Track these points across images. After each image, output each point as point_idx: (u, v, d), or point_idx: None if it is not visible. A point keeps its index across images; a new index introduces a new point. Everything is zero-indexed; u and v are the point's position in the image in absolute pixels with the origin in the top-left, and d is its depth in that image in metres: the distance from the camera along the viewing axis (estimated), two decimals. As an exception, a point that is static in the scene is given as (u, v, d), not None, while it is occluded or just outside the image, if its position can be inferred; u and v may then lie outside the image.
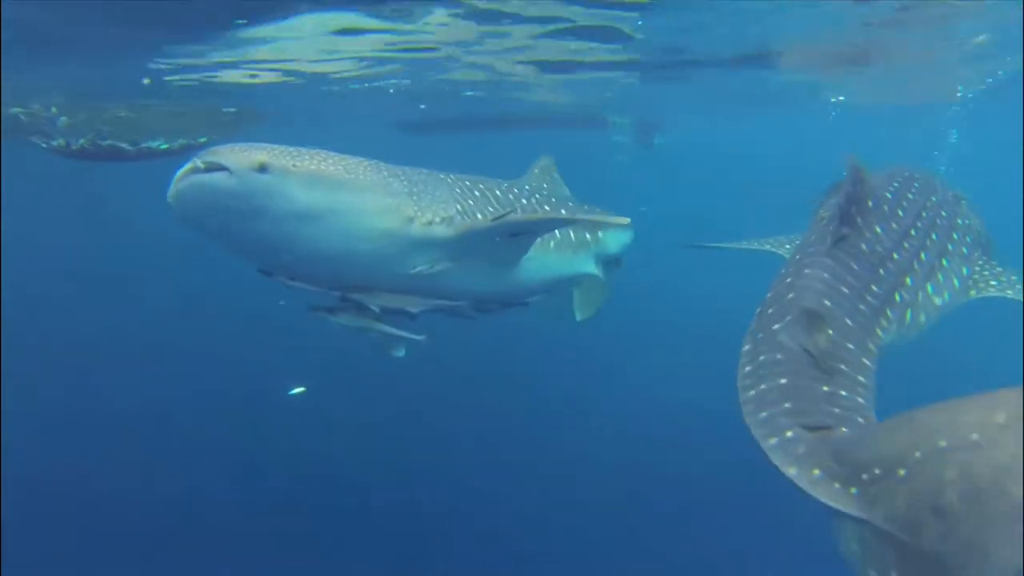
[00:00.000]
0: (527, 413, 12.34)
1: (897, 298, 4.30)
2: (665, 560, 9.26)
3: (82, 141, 11.54)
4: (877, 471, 2.66)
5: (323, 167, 4.98)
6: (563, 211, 6.92)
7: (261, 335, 14.19)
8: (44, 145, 11.42)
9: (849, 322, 3.82)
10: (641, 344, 14.98)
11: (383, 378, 9.44)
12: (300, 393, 8.99)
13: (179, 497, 10.28)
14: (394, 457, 10.90)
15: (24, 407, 12.22)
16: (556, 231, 6.60)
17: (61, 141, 11.34)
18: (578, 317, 7.59)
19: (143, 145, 11.50)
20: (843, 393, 3.39)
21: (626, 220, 6.47)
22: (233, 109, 14.53)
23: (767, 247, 5.80)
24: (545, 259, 6.47)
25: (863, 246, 4.23)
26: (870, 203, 4.42)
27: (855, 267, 4.10)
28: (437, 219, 5.41)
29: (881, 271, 4.23)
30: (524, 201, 6.55)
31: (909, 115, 18.20)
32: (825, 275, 3.96)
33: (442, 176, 5.95)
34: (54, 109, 12.21)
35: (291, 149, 4.98)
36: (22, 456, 10.48)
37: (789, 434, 3.10)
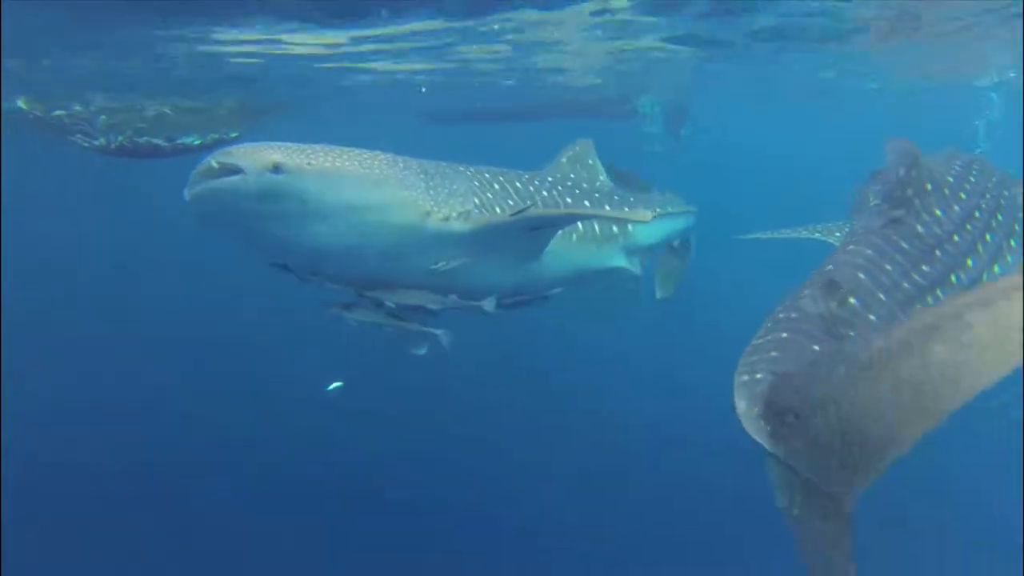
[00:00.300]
0: (548, 410, 12.29)
1: (953, 279, 4.34)
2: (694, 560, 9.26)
3: (121, 139, 11.77)
4: (793, 414, 2.81)
5: (337, 163, 4.93)
6: (586, 204, 6.74)
7: (290, 329, 14.18)
8: (86, 144, 11.66)
9: (882, 297, 3.88)
10: (675, 339, 14.84)
11: (399, 374, 9.48)
12: (337, 388, 9.02)
13: (202, 492, 10.38)
14: (411, 454, 10.91)
15: (64, 397, 12.53)
16: (580, 224, 6.43)
17: (102, 140, 11.57)
18: (658, 295, 7.51)
19: (178, 141, 11.69)
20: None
21: (648, 216, 6.35)
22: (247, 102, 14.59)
23: (816, 235, 5.77)
24: (568, 253, 6.32)
25: (919, 228, 4.30)
26: (928, 186, 4.47)
27: (905, 247, 4.17)
28: (454, 214, 5.33)
29: (937, 252, 4.29)
30: (545, 193, 6.39)
31: (942, 101, 17.92)
32: (868, 252, 4.06)
33: (461, 169, 5.86)
34: (94, 108, 12.50)
35: (305, 147, 4.93)
36: (64, 446, 10.72)
37: (759, 375, 3.21)
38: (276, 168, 4.69)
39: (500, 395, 12.54)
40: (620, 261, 7.00)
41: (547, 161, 7.45)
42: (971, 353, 2.10)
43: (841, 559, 2.63)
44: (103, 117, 12.18)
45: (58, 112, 12.11)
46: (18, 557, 8.60)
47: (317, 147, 4.98)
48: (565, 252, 6.25)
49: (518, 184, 6.16)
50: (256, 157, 4.68)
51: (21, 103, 12.60)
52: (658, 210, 7.51)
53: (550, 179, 6.78)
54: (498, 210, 5.64)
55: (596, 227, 6.64)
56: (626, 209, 7.11)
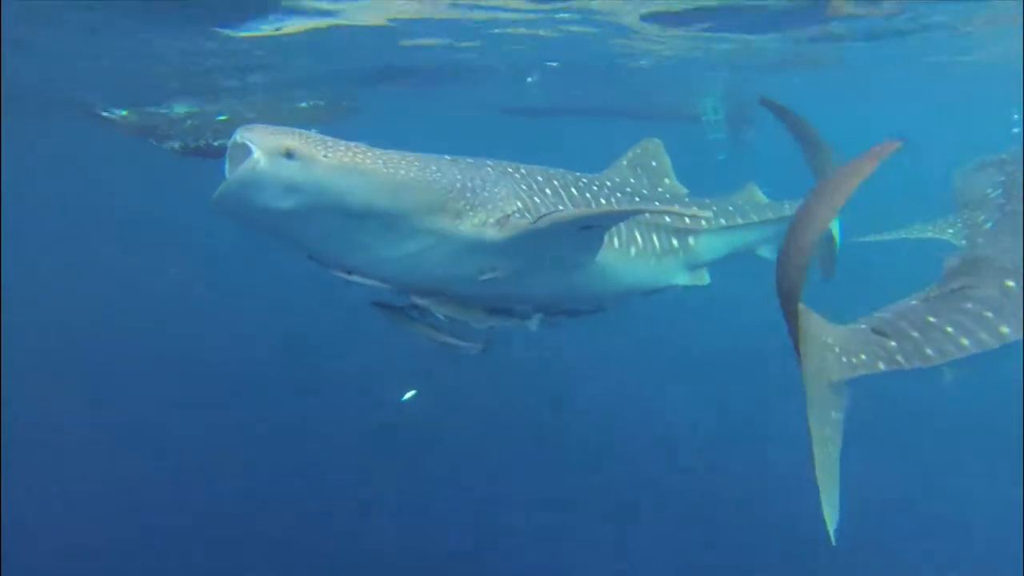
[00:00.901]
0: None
1: None
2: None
3: (200, 142, 12.30)
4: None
5: (358, 159, 4.58)
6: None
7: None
8: (164, 146, 12.24)
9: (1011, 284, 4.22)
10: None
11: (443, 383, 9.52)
12: (411, 397, 9.02)
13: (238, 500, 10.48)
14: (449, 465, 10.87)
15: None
16: (638, 236, 5.95)
17: (180, 143, 12.12)
18: (821, 277, 7.13)
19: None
20: (947, 328, 3.99)
21: (706, 214, 5.86)
22: (321, 102, 14.83)
23: (929, 233, 5.62)
24: (624, 267, 5.86)
25: None
26: None
27: None
28: (491, 219, 4.92)
29: None
30: (603, 200, 5.90)
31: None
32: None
33: (511, 170, 5.45)
34: (178, 112, 13.17)
35: (328, 139, 4.62)
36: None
37: (862, 326, 4.14)
38: (289, 154, 4.37)
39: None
40: (681, 278, 6.50)
41: (611, 161, 6.95)
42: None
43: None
44: (189, 122, 12.80)
45: (126, 113, 12.74)
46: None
47: (342, 142, 4.67)
48: (621, 266, 5.81)
49: (574, 189, 5.73)
50: (270, 139, 4.37)
51: (123, 112, 13.43)
52: (723, 221, 6.83)
53: (609, 183, 6.29)
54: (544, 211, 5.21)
55: (656, 240, 6.15)
56: (679, 208, 6.35)
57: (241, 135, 4.39)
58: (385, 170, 4.64)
